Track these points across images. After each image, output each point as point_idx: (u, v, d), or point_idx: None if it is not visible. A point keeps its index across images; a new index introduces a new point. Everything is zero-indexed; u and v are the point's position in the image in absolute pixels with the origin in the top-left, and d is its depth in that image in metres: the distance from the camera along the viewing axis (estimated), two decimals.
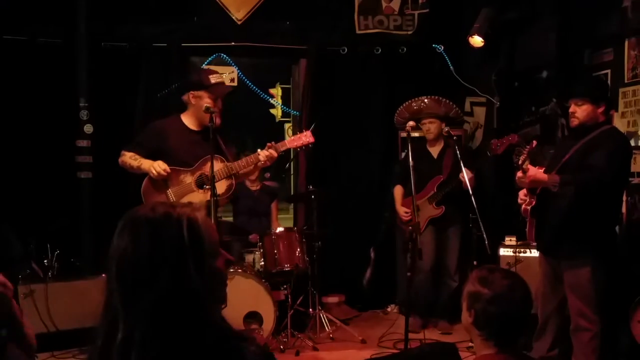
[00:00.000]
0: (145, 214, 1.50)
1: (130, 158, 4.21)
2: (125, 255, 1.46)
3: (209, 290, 1.48)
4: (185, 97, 4.25)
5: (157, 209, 1.50)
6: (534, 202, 4.20)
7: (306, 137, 4.29)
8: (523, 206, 4.25)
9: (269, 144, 4.31)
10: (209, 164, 4.11)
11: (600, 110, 4.03)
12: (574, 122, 4.07)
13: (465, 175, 4.81)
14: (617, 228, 4.35)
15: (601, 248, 4.02)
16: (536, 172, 3.98)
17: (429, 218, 5.72)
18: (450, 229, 5.75)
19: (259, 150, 4.30)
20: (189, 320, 1.44)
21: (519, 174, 4.05)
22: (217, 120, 4.19)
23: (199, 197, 4.23)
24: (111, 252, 1.48)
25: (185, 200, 4.16)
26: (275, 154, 4.26)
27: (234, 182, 4.16)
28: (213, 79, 4.21)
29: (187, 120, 4.23)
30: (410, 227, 5.37)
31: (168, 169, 4.21)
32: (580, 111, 4.03)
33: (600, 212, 3.99)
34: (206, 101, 4.14)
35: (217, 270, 1.54)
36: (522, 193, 4.32)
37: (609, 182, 3.91)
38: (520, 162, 4.02)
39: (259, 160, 4.25)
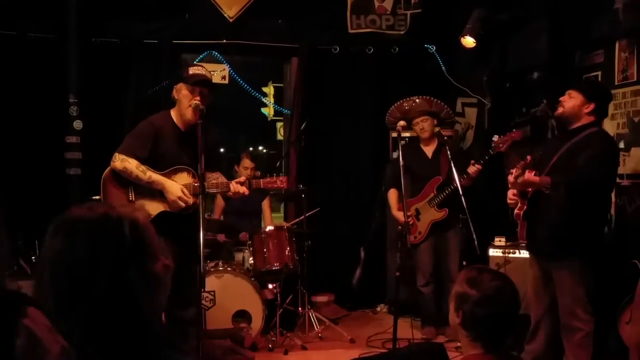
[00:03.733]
0: (82, 214, 1.43)
1: (137, 168, 3.90)
2: (61, 258, 1.39)
3: (149, 295, 1.43)
4: (172, 94, 4.14)
5: (96, 209, 1.44)
6: (525, 207, 4.20)
7: (281, 182, 4.24)
8: (515, 210, 4.26)
9: (243, 179, 4.16)
10: (179, 175, 4.00)
11: (587, 108, 4.05)
12: (559, 110, 4.14)
13: (456, 175, 4.79)
14: (605, 229, 4.42)
15: (589, 248, 4.06)
16: (529, 176, 3.98)
17: (432, 222, 5.51)
18: (449, 232, 5.54)
19: (233, 182, 4.14)
20: (127, 325, 1.38)
21: (511, 177, 4.05)
22: (190, 115, 3.99)
23: (158, 206, 4.00)
24: (43, 255, 1.42)
25: (143, 204, 3.94)
26: (246, 192, 4.17)
27: (198, 201, 3.96)
28: (191, 70, 4.09)
29: (175, 117, 4.11)
30: (399, 227, 5.36)
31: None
32: (568, 101, 4.09)
33: (589, 213, 4.03)
34: (184, 93, 4.00)
35: (158, 275, 1.48)
36: (510, 192, 4.31)
37: (597, 181, 3.96)
38: (515, 176, 3.99)
39: (229, 190, 4.16)
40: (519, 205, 4.24)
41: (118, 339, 1.37)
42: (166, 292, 1.53)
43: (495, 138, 4.26)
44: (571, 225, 4.01)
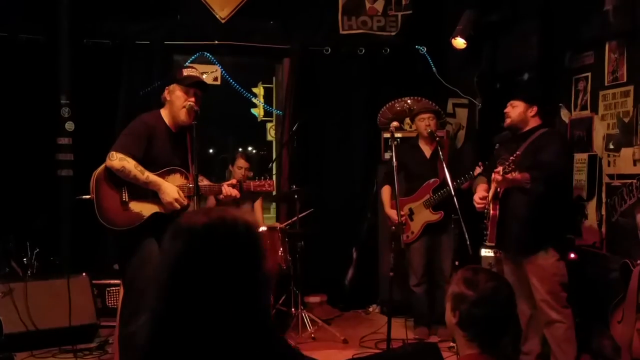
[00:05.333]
0: (197, 219, 1.48)
1: (135, 168, 3.86)
2: (180, 260, 1.44)
3: (262, 292, 1.48)
4: (163, 95, 4.11)
5: (211, 214, 1.50)
6: (498, 207, 4.32)
7: (269, 185, 4.31)
8: (491, 212, 4.35)
9: (234, 182, 4.18)
10: (172, 176, 4.00)
11: (531, 112, 4.37)
12: (507, 121, 4.45)
13: (449, 178, 4.81)
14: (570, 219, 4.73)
15: (561, 238, 4.30)
16: (515, 173, 4.10)
17: (426, 223, 5.50)
18: (442, 231, 5.55)
19: (224, 184, 4.15)
20: (241, 320, 1.43)
21: (497, 176, 4.14)
22: (184, 116, 3.99)
23: (152, 207, 3.97)
24: (163, 259, 1.47)
25: (137, 205, 3.95)
26: (237, 195, 4.18)
27: (191, 202, 3.97)
28: (185, 72, 4.08)
29: (166, 117, 4.09)
30: (393, 228, 5.37)
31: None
32: (512, 111, 4.40)
33: (557, 206, 4.24)
34: (177, 94, 3.99)
35: (268, 273, 1.53)
36: (477, 197, 4.49)
37: (567, 173, 4.35)
38: (503, 172, 4.05)
39: (220, 193, 4.14)
40: (492, 207, 4.36)
41: (242, 336, 1.42)
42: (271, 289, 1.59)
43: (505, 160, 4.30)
44: (544, 217, 4.18)
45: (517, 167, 4.04)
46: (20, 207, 5.80)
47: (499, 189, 4.34)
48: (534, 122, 4.38)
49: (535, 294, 4.22)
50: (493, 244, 4.53)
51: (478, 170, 5.08)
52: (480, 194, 4.48)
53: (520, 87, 5.72)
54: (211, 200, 6.33)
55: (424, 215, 5.53)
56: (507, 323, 2.25)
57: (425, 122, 5.54)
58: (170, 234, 1.49)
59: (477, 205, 4.49)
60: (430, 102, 5.77)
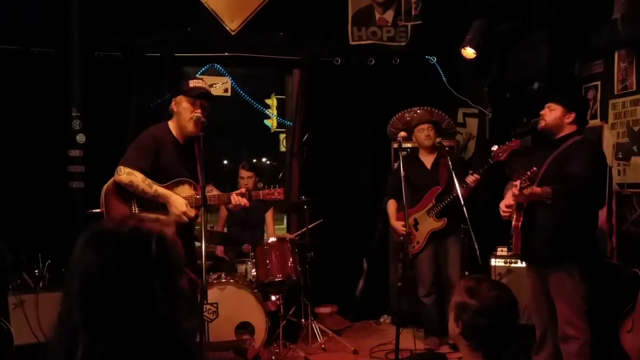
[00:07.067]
0: (112, 228, 1.47)
1: (143, 182, 3.90)
2: (90, 270, 1.42)
3: (172, 309, 1.46)
4: (170, 106, 4.14)
5: (125, 224, 1.48)
6: (522, 219, 4.20)
7: (279, 193, 4.28)
8: (513, 223, 4.25)
9: (243, 191, 4.20)
10: (181, 187, 4.03)
11: (568, 118, 4.16)
12: (541, 124, 4.25)
13: (457, 184, 4.80)
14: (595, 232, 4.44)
15: (586, 253, 4.11)
16: (532, 188, 3.99)
17: (431, 232, 5.49)
18: (448, 240, 5.52)
19: (233, 193, 4.17)
20: (151, 338, 1.42)
21: (515, 190, 4.03)
22: (192, 127, 4.00)
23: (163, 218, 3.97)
24: (73, 266, 1.44)
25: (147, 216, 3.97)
26: (246, 204, 4.20)
27: (199, 212, 4.00)
28: (191, 83, 4.10)
29: (174, 129, 4.12)
30: (401, 238, 5.36)
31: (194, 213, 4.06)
32: (549, 114, 4.20)
33: (583, 219, 4.09)
34: (184, 106, 4.01)
35: (182, 290, 1.52)
36: (503, 205, 4.34)
37: (595, 187, 4.05)
38: (520, 187, 3.95)
39: (230, 202, 4.16)
40: (515, 217, 4.24)
41: (141, 350, 1.40)
42: (190, 304, 1.58)
43: (495, 147, 4.26)
44: (568, 231, 4.04)
45: (534, 182, 3.95)
46: (31, 219, 5.84)
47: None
48: (569, 129, 4.18)
49: (557, 309, 4.14)
50: (518, 254, 4.45)
51: (470, 178, 5.03)
52: (507, 202, 4.31)
53: (560, 89, 5.49)
54: (223, 211, 6.37)
55: (428, 224, 5.51)
56: (511, 332, 2.23)
57: (424, 133, 5.56)
58: (82, 242, 1.46)
59: (502, 214, 4.37)
60: (440, 112, 5.76)
